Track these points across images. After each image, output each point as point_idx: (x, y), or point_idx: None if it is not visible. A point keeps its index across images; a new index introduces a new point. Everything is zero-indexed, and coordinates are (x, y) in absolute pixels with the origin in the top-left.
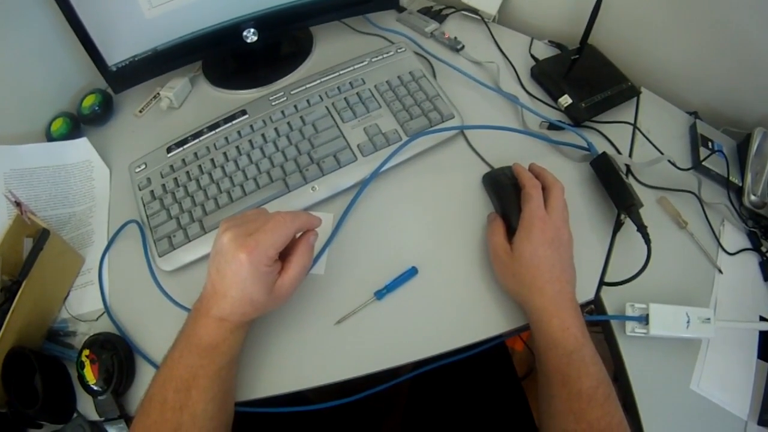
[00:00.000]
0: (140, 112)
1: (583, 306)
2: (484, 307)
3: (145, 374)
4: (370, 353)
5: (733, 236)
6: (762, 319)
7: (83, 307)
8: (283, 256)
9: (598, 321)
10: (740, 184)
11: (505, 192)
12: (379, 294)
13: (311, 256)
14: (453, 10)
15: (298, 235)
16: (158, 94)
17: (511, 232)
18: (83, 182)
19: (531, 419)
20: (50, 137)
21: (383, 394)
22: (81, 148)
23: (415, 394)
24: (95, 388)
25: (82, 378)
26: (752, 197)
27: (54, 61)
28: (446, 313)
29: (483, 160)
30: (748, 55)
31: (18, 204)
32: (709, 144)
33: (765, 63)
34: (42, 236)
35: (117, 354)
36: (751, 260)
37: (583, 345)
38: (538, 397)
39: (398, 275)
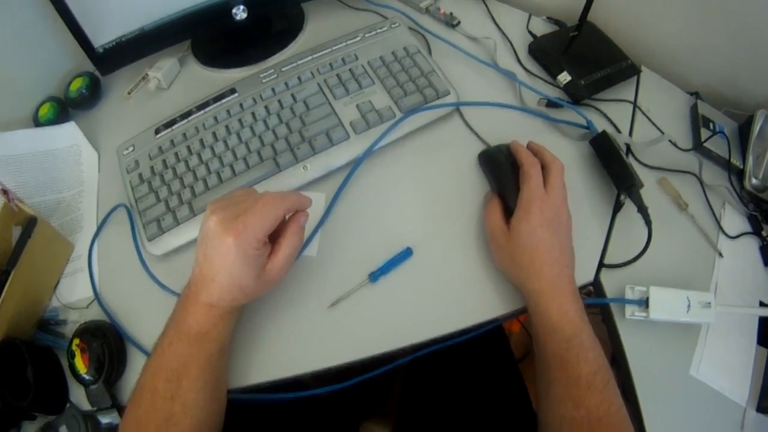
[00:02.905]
0: (129, 93)
1: (582, 288)
2: (481, 289)
3: (136, 362)
4: (365, 337)
5: (734, 219)
6: (762, 304)
7: (74, 295)
8: (273, 238)
9: (597, 304)
10: (741, 167)
11: (502, 171)
12: (374, 276)
13: (301, 238)
14: None
15: (287, 216)
16: (147, 75)
17: (508, 212)
18: (72, 167)
19: (528, 402)
20: (38, 122)
21: (379, 379)
22: (69, 133)
23: (411, 378)
24: (86, 377)
25: (72, 367)
26: (753, 180)
27: (40, 45)
28: (442, 295)
29: (479, 137)
30: (751, 36)
31: (5, 191)
32: (710, 125)
33: (766, 45)
34: (30, 224)
35: (107, 342)
36: (752, 244)
37: (581, 330)
38: (537, 381)
39: (392, 256)
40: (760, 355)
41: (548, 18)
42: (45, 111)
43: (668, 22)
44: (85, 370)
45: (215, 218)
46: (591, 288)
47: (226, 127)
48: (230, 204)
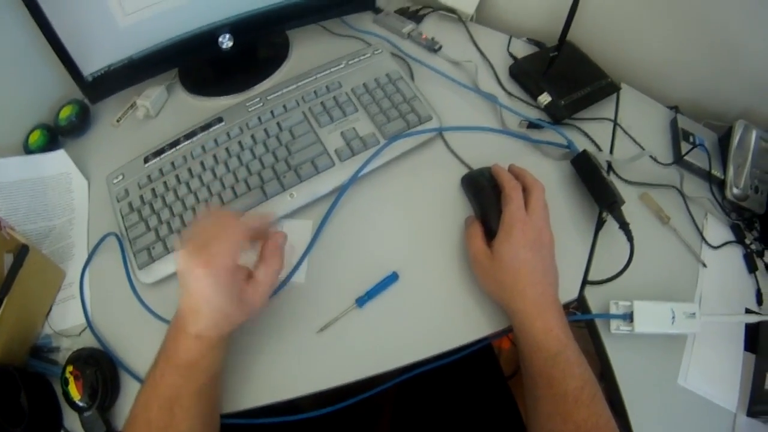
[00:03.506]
0: (118, 121)
1: (567, 305)
2: (467, 310)
3: (129, 388)
4: (353, 361)
5: (717, 229)
6: (747, 311)
7: (66, 322)
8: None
9: (581, 320)
10: (722, 177)
11: (484, 194)
12: (360, 301)
13: (280, 260)
14: (430, 9)
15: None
16: (135, 103)
17: (490, 234)
18: (62, 195)
19: (518, 418)
20: (28, 150)
21: (372, 399)
22: (59, 161)
23: (402, 399)
24: (80, 404)
25: (66, 395)
26: (735, 190)
27: (30, 73)
28: (428, 317)
29: (462, 161)
30: (729, 48)
31: None
32: (691, 138)
33: (745, 55)
34: (22, 252)
35: (101, 369)
36: (735, 253)
37: (566, 346)
38: (525, 398)
39: (379, 281)
40: (747, 360)
41: (528, 39)
42: (35, 138)
43: (647, 38)
44: (79, 397)
45: (184, 251)
46: (576, 303)
47: (214, 156)
48: (195, 233)
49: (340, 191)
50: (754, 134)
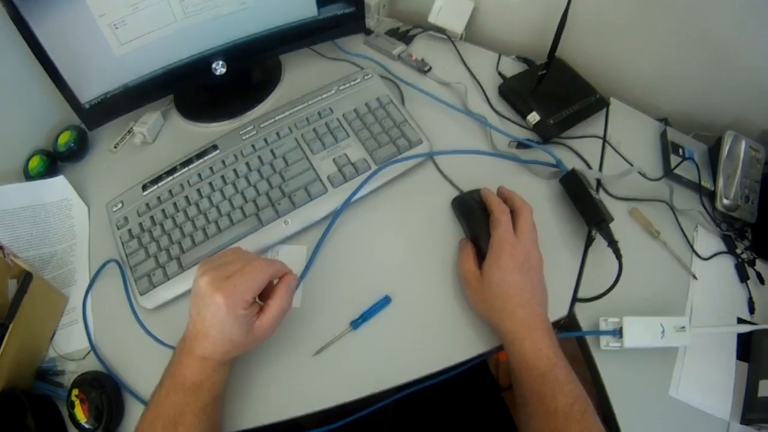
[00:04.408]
0: (115, 147)
1: (556, 323)
2: (459, 330)
3: (133, 410)
4: (349, 382)
5: (707, 241)
6: (740, 320)
7: (70, 346)
8: (264, 296)
9: (571, 337)
10: (712, 189)
11: (474, 216)
12: (355, 324)
13: (290, 300)
14: (420, 30)
15: (276, 281)
16: (132, 129)
17: (482, 256)
18: (63, 221)
19: (514, 430)
20: (28, 175)
21: (369, 417)
22: (59, 187)
23: (399, 414)
24: (86, 426)
25: (73, 417)
26: (725, 201)
27: (28, 99)
28: (422, 338)
29: (452, 184)
30: (717, 58)
31: (0, 247)
32: (680, 151)
33: (734, 65)
34: (26, 279)
35: (105, 392)
36: (726, 263)
37: (555, 365)
38: (517, 415)
39: (373, 304)
40: (740, 369)
41: (517, 57)
42: (35, 164)
43: (636, 51)
44: (85, 419)
45: (206, 278)
46: (566, 319)
47: (210, 183)
48: (220, 265)
49: (333, 217)
50: (743, 144)
